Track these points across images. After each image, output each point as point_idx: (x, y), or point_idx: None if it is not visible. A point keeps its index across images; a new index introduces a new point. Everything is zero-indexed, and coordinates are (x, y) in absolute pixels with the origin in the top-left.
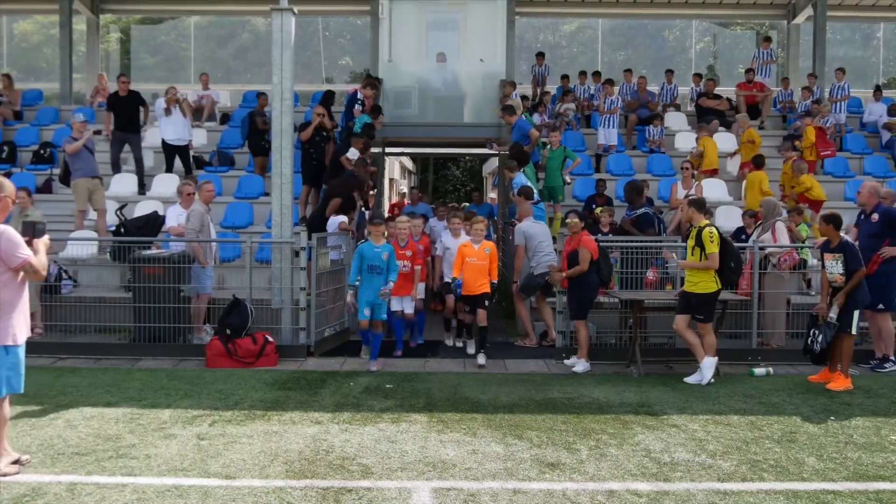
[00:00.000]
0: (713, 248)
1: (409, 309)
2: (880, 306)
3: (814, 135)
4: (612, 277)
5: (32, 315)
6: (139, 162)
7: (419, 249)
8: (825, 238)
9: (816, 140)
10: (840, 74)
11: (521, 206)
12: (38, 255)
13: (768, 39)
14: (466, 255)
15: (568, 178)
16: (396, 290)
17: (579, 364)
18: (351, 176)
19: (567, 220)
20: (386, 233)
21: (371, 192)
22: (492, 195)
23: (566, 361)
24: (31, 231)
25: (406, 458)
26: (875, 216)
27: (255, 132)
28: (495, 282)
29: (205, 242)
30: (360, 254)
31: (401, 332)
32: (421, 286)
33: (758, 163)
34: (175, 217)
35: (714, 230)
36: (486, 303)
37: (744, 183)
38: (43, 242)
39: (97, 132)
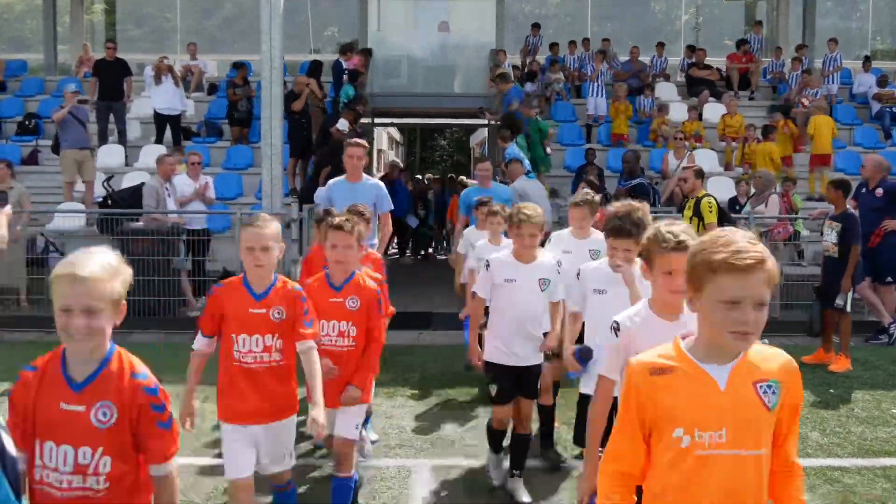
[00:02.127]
0: (712, 219)
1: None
2: (889, 279)
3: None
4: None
5: (17, 290)
6: (122, 133)
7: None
8: (818, 211)
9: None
10: (832, 45)
11: (512, 167)
12: None
13: (759, 24)
14: None
15: (548, 150)
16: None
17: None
18: (339, 147)
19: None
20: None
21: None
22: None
23: None
24: None
25: (404, 434)
26: (879, 191)
27: (230, 103)
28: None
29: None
30: None
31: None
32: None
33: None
34: (182, 188)
35: (713, 200)
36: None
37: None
38: (4, 213)
39: (83, 101)
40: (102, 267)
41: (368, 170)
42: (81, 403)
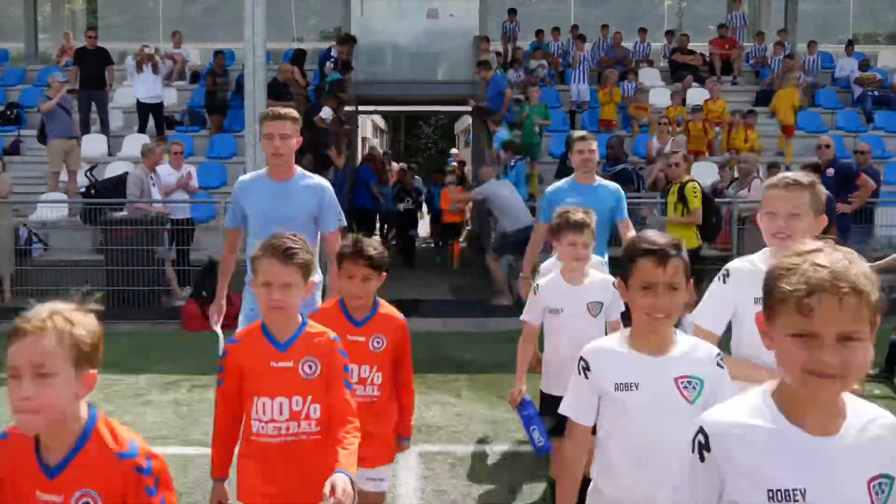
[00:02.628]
0: (696, 203)
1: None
2: None
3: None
4: None
5: (1, 280)
6: (104, 123)
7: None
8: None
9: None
10: (813, 48)
11: (483, 169)
12: None
13: (739, 1)
14: None
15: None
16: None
17: None
18: (322, 132)
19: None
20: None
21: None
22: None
23: None
24: None
25: None
26: (830, 170)
27: (209, 92)
28: None
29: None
30: None
31: None
32: None
33: None
34: (164, 177)
35: (697, 185)
36: None
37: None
38: None
39: (71, 91)
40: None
41: (351, 158)
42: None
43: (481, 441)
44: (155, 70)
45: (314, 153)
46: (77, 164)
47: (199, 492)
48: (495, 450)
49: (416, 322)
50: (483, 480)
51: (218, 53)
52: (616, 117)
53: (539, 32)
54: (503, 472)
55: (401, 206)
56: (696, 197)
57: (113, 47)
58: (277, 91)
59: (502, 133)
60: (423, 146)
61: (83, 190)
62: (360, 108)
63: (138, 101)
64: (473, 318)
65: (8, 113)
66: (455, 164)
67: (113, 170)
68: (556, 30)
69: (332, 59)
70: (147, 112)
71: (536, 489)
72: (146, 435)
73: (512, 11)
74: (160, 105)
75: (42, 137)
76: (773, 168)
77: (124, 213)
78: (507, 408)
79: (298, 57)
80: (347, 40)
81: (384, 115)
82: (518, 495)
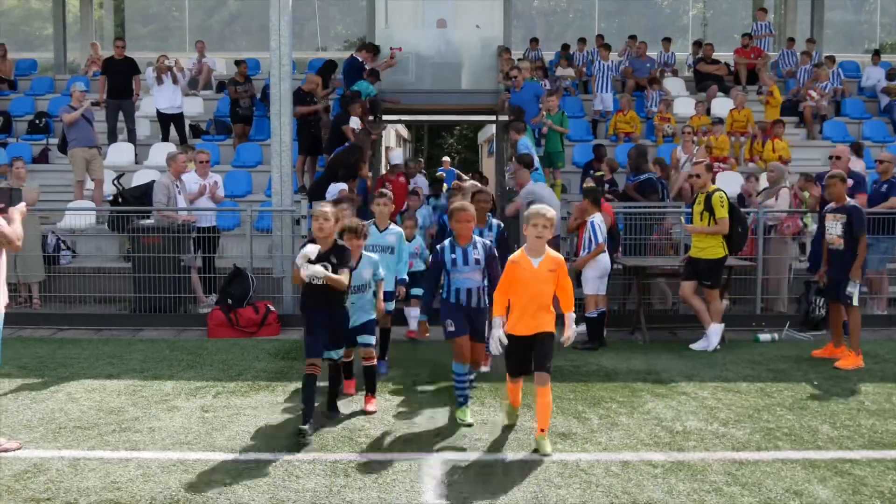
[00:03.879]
0: (723, 213)
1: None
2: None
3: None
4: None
5: (30, 286)
6: (132, 132)
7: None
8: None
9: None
10: (829, 63)
11: (518, 174)
12: (12, 224)
13: (763, 10)
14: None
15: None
16: None
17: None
18: (354, 147)
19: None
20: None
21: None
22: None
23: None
24: (8, 198)
25: (414, 428)
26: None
27: (232, 101)
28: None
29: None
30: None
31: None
32: None
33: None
34: (190, 185)
35: (724, 195)
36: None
37: None
38: (18, 210)
39: (95, 104)
40: None
41: (375, 167)
42: None
43: (503, 448)
44: (174, 81)
45: (345, 165)
46: (100, 173)
47: (223, 498)
48: (517, 458)
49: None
50: (505, 489)
51: (240, 62)
52: (637, 129)
53: (565, 47)
54: (525, 481)
55: None
56: (722, 206)
57: (139, 57)
58: (301, 100)
59: (524, 141)
60: (447, 156)
61: (110, 198)
62: (384, 117)
63: (158, 112)
64: None
65: (37, 122)
66: (443, 173)
67: (140, 178)
68: (581, 41)
69: (364, 68)
70: (168, 122)
71: (559, 498)
72: (172, 439)
73: (534, 40)
74: (180, 115)
75: (63, 147)
76: (802, 179)
77: (151, 220)
78: (530, 416)
79: (329, 67)
80: (372, 50)
81: (407, 124)
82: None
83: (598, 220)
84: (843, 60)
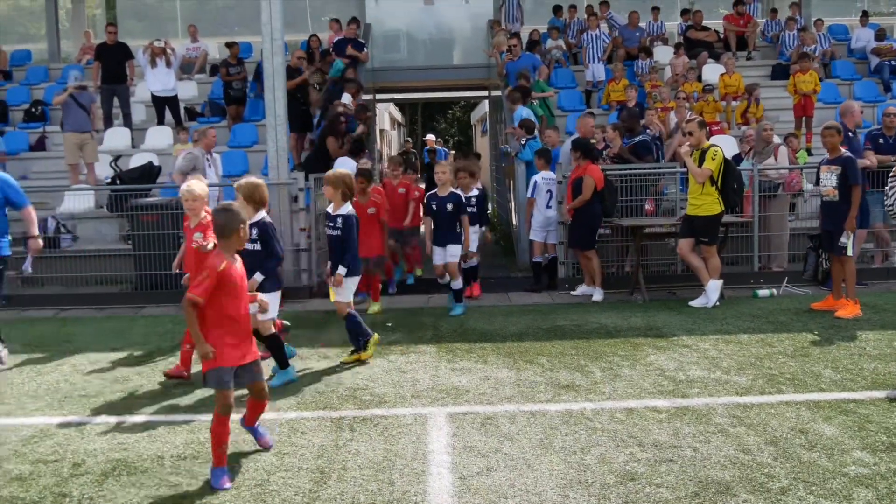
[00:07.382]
0: (711, 165)
1: None
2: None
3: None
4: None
5: None
6: (127, 117)
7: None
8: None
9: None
10: (819, 24)
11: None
12: None
13: None
14: None
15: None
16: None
17: (596, 292)
18: (338, 115)
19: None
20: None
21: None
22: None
23: (577, 290)
24: None
25: (418, 386)
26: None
27: (224, 83)
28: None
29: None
30: None
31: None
32: None
33: None
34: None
35: (718, 150)
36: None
37: None
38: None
39: (82, 87)
40: None
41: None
42: None
43: (507, 401)
44: (168, 64)
45: (333, 134)
46: (93, 157)
47: (230, 455)
48: (522, 409)
49: (440, 299)
50: (511, 437)
51: (231, 44)
52: (631, 95)
53: (557, 8)
54: (531, 429)
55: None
56: (713, 160)
57: (133, 44)
58: (290, 76)
59: (521, 111)
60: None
61: (108, 180)
62: (378, 96)
63: (153, 95)
64: (497, 292)
65: (33, 110)
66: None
67: (137, 162)
68: (573, 7)
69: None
70: (163, 105)
71: (565, 443)
72: (177, 404)
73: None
74: (175, 98)
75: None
76: (790, 137)
77: (151, 199)
78: (533, 371)
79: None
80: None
81: (401, 107)
82: (548, 449)
83: (538, 176)
84: (831, 24)
